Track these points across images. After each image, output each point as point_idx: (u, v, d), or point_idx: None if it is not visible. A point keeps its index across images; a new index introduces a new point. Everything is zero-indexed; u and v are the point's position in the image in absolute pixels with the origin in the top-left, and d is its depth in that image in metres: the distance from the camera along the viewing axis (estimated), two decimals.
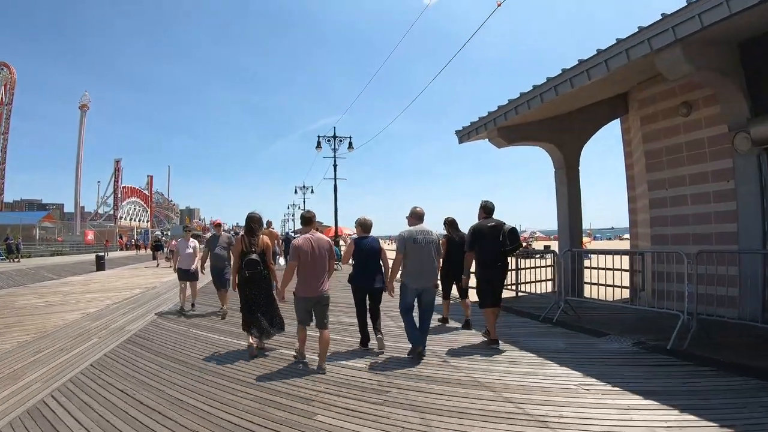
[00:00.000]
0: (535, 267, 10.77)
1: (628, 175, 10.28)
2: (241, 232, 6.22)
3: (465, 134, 10.77)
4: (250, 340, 5.63)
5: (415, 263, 5.38)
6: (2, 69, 63.64)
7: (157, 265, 23.19)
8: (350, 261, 5.98)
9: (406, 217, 5.80)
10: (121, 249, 48.17)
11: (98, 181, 68.09)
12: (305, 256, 4.95)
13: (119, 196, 64.78)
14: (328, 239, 5.40)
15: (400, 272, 5.62)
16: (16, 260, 27.11)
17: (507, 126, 9.61)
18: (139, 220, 72.92)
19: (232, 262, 6.44)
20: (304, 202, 47.35)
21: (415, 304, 5.62)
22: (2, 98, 63.62)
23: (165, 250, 25.21)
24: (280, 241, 15.63)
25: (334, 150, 26.53)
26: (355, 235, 6.14)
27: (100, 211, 68.00)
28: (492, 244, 5.75)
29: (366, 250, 5.81)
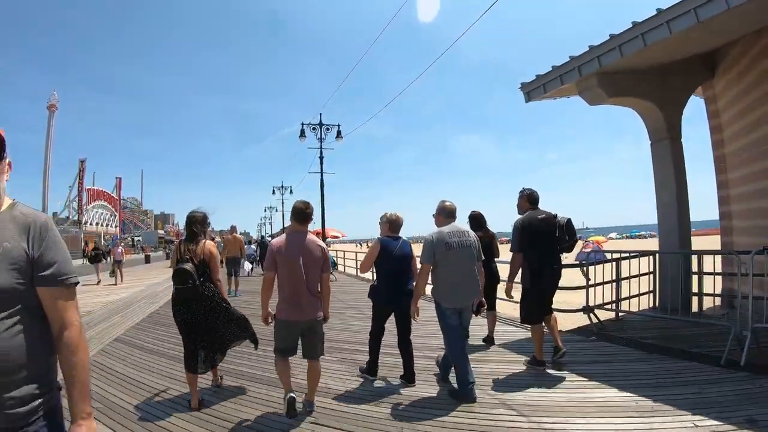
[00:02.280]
0: (629, 277, 7.76)
1: (716, 156, 8.49)
2: (181, 238, 4.81)
3: (538, 86, 8.17)
4: (191, 385, 4.29)
5: (451, 275, 4.31)
6: None
7: (98, 282, 18.11)
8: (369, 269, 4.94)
9: (434, 215, 4.67)
10: (84, 257, 44.17)
11: (69, 186, 65.07)
12: (286, 264, 3.83)
13: (84, 199, 61.10)
14: (321, 242, 4.12)
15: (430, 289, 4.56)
16: None
17: (603, 73, 7.33)
18: (107, 225, 69.35)
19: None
20: (282, 203, 45.89)
21: None
22: None
23: (108, 260, 20.45)
24: (243, 248, 14.61)
25: (320, 140, 24.35)
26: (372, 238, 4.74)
27: (67, 215, 64.46)
28: (546, 241, 4.93)
29: (396, 255, 4.69)
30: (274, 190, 44.27)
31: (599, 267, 7.76)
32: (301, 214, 3.99)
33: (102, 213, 69.24)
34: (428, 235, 4.41)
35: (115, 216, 73.67)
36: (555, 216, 4.97)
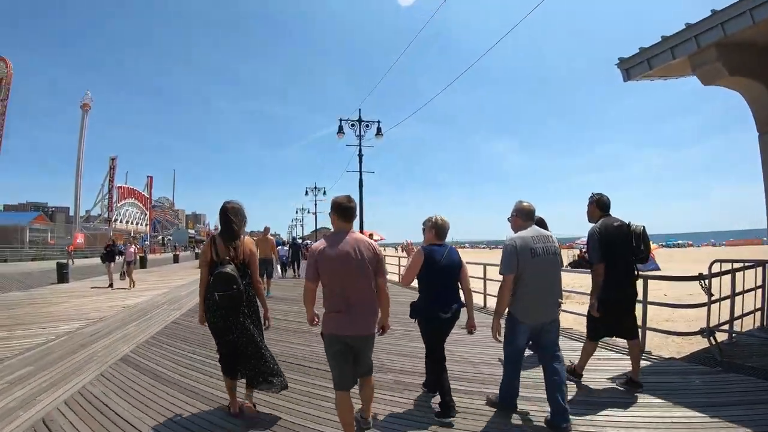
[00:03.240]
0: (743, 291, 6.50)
1: None
2: (213, 234, 4.19)
3: (641, 62, 6.65)
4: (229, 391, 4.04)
5: (535, 286, 3.81)
6: None
7: (110, 285, 15.55)
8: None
9: (510, 218, 4.17)
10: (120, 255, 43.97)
11: (102, 184, 65.61)
12: (331, 270, 3.25)
13: (114, 197, 61.34)
14: (371, 241, 3.47)
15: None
16: None
17: (725, 45, 5.87)
18: (137, 224, 69.62)
19: (200, 280, 4.02)
20: (315, 204, 44.91)
21: None
22: None
23: (121, 260, 16.84)
24: (275, 249, 14.84)
25: (359, 136, 22.85)
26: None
27: (99, 213, 64.98)
28: (624, 251, 4.55)
29: (442, 265, 4.12)
30: (307, 191, 43.46)
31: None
32: (344, 209, 3.43)
33: (133, 211, 69.56)
34: (509, 239, 3.94)
35: (146, 214, 74.07)
36: (629, 224, 4.63)
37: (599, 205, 4.78)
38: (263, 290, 4.19)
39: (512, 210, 4.17)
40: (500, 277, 3.93)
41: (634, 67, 6.90)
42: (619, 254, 4.54)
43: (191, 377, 5.19)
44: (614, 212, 4.80)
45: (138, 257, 26.55)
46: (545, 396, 3.87)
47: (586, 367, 4.93)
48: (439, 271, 4.11)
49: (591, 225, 4.81)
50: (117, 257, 16.45)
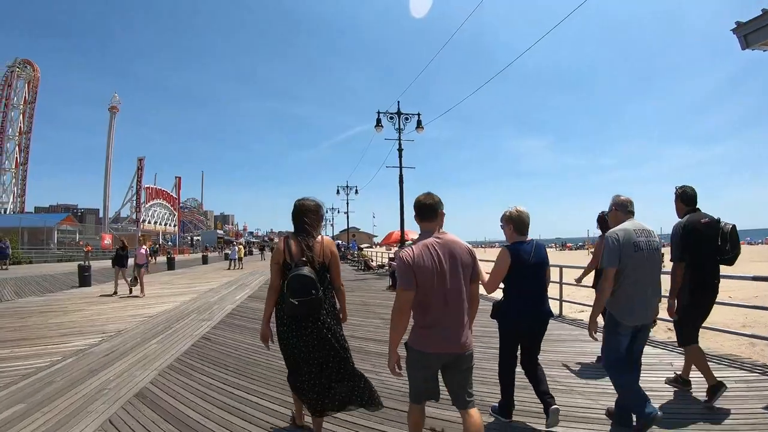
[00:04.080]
0: None
1: None
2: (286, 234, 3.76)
3: (766, 26, 5.65)
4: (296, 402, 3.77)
5: (637, 283, 3.66)
6: (26, 67, 64.61)
7: (114, 292, 13.96)
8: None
9: (607, 213, 4.20)
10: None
11: (130, 185, 66.15)
12: (427, 278, 2.82)
13: (143, 198, 61.49)
14: (465, 243, 3.05)
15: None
16: (3, 267, 23.54)
17: None
18: (166, 224, 69.74)
19: (270, 285, 3.53)
20: (347, 204, 43.89)
21: None
22: (26, 97, 63.32)
23: (131, 265, 14.59)
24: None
25: (399, 130, 21.60)
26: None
27: (128, 213, 65.42)
28: (711, 250, 4.29)
29: (531, 263, 3.78)
30: (338, 190, 42.29)
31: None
32: (424, 207, 3.02)
33: (161, 212, 69.77)
34: (611, 232, 3.76)
35: (174, 215, 74.33)
36: (718, 221, 4.35)
37: (683, 199, 4.50)
38: (345, 298, 3.68)
39: (610, 204, 4.06)
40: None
41: (756, 32, 5.95)
42: (705, 253, 4.29)
43: (228, 423, 3.82)
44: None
45: (155, 260, 25.58)
46: None
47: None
48: (528, 269, 3.78)
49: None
50: (129, 261, 14.75)
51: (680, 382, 4.60)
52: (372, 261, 26.07)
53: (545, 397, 3.77)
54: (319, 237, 3.54)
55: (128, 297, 13.12)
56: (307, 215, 3.54)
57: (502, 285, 3.95)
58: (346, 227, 50.12)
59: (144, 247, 14.94)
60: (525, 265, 3.75)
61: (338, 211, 53.91)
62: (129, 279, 13.90)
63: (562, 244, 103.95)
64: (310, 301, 3.24)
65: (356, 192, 42.64)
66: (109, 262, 17.17)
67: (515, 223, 3.87)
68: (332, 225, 59.25)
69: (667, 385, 4.66)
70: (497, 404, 4.05)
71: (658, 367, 5.25)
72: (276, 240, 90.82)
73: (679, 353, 5.38)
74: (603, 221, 5.72)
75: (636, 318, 3.67)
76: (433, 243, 2.92)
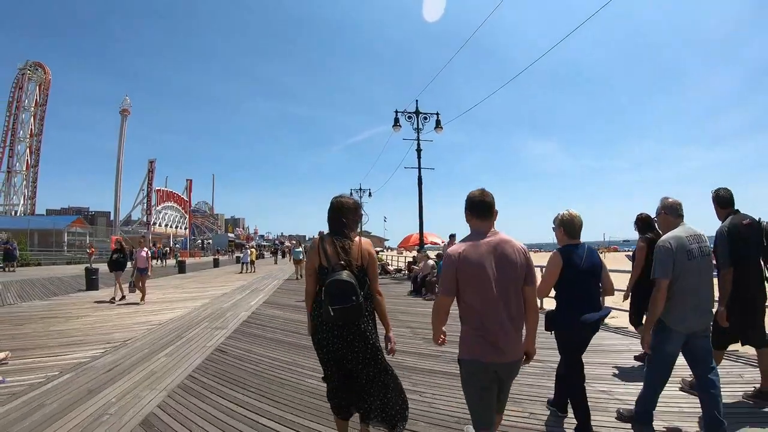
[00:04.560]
0: None
1: None
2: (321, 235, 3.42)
3: None
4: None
5: (691, 291, 3.53)
6: (37, 69, 64.48)
7: (112, 299, 12.58)
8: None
9: (656, 216, 4.03)
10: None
11: (140, 187, 66.04)
12: (475, 281, 2.68)
13: (153, 200, 61.24)
14: (518, 243, 2.84)
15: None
16: (11, 269, 22.74)
17: None
18: (177, 227, 69.44)
19: (305, 290, 3.31)
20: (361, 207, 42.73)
21: None
22: (37, 99, 63.53)
23: (131, 268, 13.41)
24: None
25: (417, 130, 20.95)
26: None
27: (140, 216, 65.24)
28: (756, 252, 4.24)
29: (584, 268, 3.66)
30: (351, 193, 41.61)
31: None
32: (479, 204, 2.84)
33: (172, 215, 69.55)
34: (663, 241, 3.61)
35: (185, 218, 74.06)
36: (759, 221, 4.33)
37: (719, 202, 4.38)
38: (384, 302, 3.33)
39: (658, 208, 3.96)
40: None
41: None
42: (750, 255, 4.21)
43: None
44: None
45: (164, 263, 24.75)
46: None
47: None
48: (580, 275, 3.66)
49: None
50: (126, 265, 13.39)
51: (764, 395, 4.28)
52: (389, 265, 25.31)
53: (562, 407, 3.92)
54: (356, 238, 3.23)
55: (127, 303, 12.01)
56: (345, 214, 3.25)
57: (552, 292, 3.83)
58: (362, 231, 49.53)
59: (145, 249, 13.16)
60: (577, 269, 3.64)
61: None
62: (126, 285, 12.78)
63: None
64: (350, 308, 2.95)
65: (370, 195, 42.47)
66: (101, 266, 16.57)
67: (566, 226, 3.78)
68: None
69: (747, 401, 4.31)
70: (554, 399, 4.07)
71: (729, 380, 4.67)
72: (287, 244, 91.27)
73: (746, 362, 5.39)
74: (643, 222, 5.68)
75: (688, 326, 3.57)
76: (484, 242, 2.74)
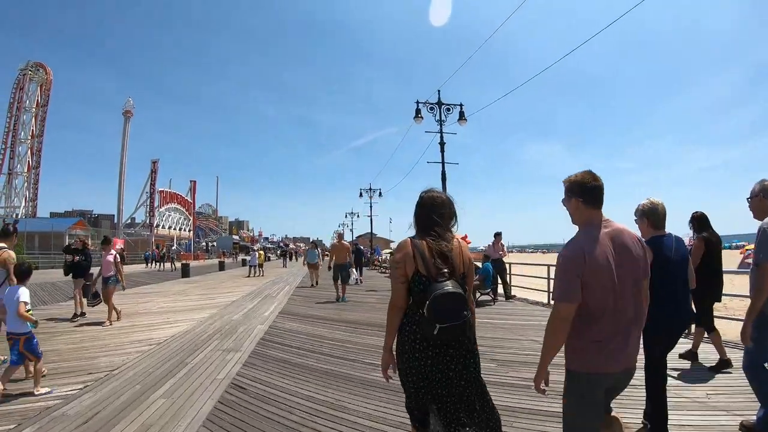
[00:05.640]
0: None
1: None
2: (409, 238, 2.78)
3: None
4: None
5: None
6: (38, 70, 63.30)
7: (73, 315, 9.79)
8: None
9: (750, 199, 3.77)
10: (146, 262, 40.73)
11: (143, 188, 64.85)
12: (607, 280, 2.32)
13: (156, 201, 59.93)
14: (636, 233, 2.61)
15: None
16: None
17: None
18: (180, 229, 68.15)
19: (392, 302, 2.69)
20: (370, 207, 42.36)
21: None
22: (38, 100, 62.47)
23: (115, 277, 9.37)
24: (351, 254, 15.08)
25: (440, 122, 19.58)
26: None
27: (142, 219, 63.98)
28: None
29: (673, 259, 3.54)
30: (361, 193, 40.77)
31: None
32: (592, 189, 2.46)
33: (176, 216, 68.26)
34: (765, 222, 3.42)
35: (189, 220, 72.75)
36: None
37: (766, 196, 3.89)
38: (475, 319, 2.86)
39: (755, 190, 3.71)
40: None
41: None
42: None
43: None
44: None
45: (166, 266, 22.99)
46: None
47: None
48: (672, 266, 3.48)
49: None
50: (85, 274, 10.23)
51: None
52: None
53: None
54: (455, 240, 2.71)
55: (90, 324, 9.00)
56: (439, 211, 2.73)
57: None
58: (369, 231, 48.70)
59: (112, 252, 9.37)
60: (669, 261, 3.48)
61: (357, 216, 53.63)
62: (86, 298, 9.74)
63: None
64: (461, 325, 2.49)
65: (380, 195, 41.38)
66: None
67: (650, 216, 3.70)
68: (351, 230, 57.71)
69: None
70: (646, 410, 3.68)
71: None
72: (291, 246, 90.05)
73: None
74: (699, 221, 5.67)
75: None
76: (604, 235, 2.41)
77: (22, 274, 5.36)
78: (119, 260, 9.56)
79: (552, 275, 12.05)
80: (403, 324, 2.63)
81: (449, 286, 2.46)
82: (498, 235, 13.29)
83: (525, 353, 6.29)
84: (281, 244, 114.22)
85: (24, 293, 4.93)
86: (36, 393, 4.65)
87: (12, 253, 5.73)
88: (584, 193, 2.45)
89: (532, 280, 13.56)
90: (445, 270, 2.53)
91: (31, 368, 5.00)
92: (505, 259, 13.62)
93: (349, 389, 4.74)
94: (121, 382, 5.04)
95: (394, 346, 2.69)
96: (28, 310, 4.89)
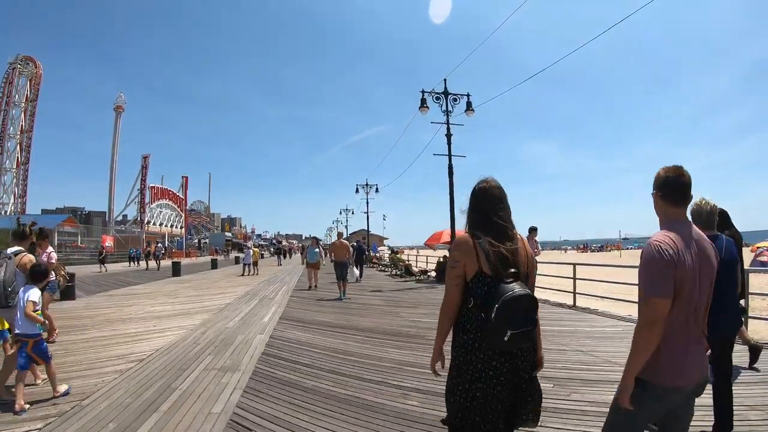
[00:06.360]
0: None
1: None
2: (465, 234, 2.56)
3: None
4: None
5: None
6: (28, 64, 61.71)
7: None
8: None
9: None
10: (130, 261, 37.91)
11: (133, 184, 63.46)
12: (685, 283, 2.13)
13: (147, 197, 58.54)
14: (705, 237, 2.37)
15: None
16: None
17: None
18: (171, 226, 66.74)
19: (446, 303, 2.43)
20: (367, 203, 41.56)
21: None
22: (27, 94, 60.98)
23: (54, 282, 7.98)
24: (352, 252, 15.55)
25: (447, 112, 18.77)
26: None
27: (134, 216, 62.62)
28: None
29: (726, 260, 3.34)
30: (357, 189, 39.98)
31: None
32: (683, 187, 2.28)
33: (167, 213, 66.86)
34: None
35: (181, 217, 71.27)
36: None
37: None
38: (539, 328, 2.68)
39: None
40: None
41: None
42: None
43: None
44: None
45: (62, 275, 21.83)
46: None
47: None
48: (725, 269, 3.20)
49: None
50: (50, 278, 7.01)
51: None
52: (412, 266, 22.74)
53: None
54: (518, 236, 2.49)
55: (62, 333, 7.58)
56: (498, 204, 2.46)
57: None
58: (363, 228, 47.98)
59: (47, 252, 7.29)
60: (718, 262, 2.85)
61: (352, 212, 53.17)
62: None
63: (584, 246, 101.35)
64: (532, 331, 2.30)
65: (377, 190, 40.65)
66: (111, 266, 13.72)
67: (694, 215, 3.52)
68: (347, 227, 56.80)
69: None
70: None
71: None
72: (284, 243, 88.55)
73: None
74: (720, 218, 5.03)
75: None
76: (687, 235, 2.22)
77: (37, 274, 4.85)
78: (54, 260, 7.68)
79: (576, 275, 11.12)
80: (457, 329, 2.38)
81: (517, 287, 2.25)
82: (533, 230, 11.72)
83: (578, 368, 5.36)
84: (274, 241, 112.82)
85: (34, 293, 4.63)
86: (56, 395, 4.51)
87: (32, 257, 5.21)
88: (663, 187, 2.33)
89: (548, 279, 12.53)
90: (513, 270, 2.31)
91: (39, 374, 4.95)
92: (538, 258, 12.41)
93: (383, 425, 3.72)
94: (90, 421, 3.93)
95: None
96: (36, 311, 4.57)
